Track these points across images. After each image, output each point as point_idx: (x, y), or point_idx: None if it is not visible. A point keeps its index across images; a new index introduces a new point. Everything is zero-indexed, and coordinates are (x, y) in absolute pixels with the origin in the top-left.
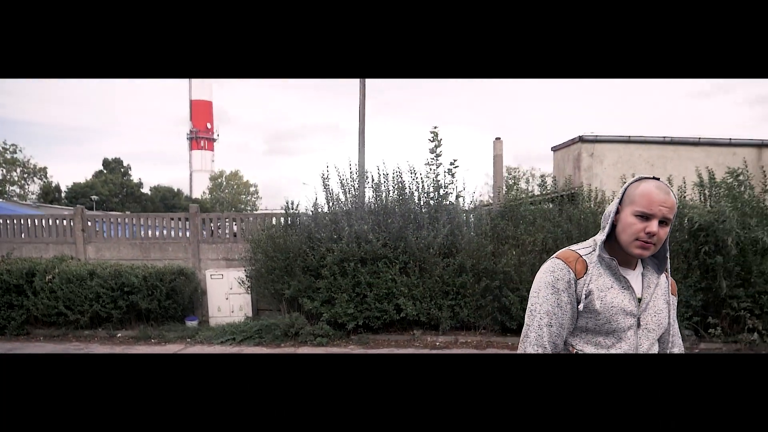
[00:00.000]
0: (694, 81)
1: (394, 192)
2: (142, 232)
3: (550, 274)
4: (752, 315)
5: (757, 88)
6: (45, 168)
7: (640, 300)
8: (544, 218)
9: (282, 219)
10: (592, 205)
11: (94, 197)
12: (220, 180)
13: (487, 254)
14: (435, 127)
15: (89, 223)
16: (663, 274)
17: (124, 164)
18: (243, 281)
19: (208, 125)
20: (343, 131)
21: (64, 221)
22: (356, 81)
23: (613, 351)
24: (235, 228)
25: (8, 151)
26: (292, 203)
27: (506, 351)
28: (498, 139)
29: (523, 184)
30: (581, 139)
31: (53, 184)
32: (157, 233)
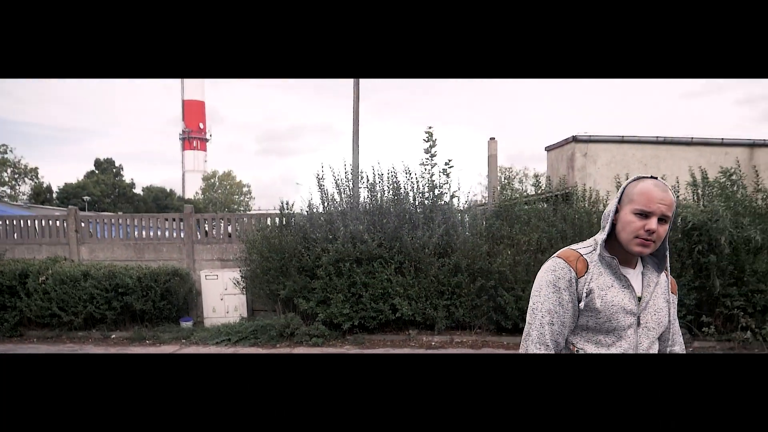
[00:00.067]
0: (685, 81)
1: (389, 192)
2: (136, 233)
3: (551, 273)
4: (745, 313)
5: (746, 89)
6: (36, 168)
7: (640, 299)
8: (538, 218)
9: (277, 219)
10: (586, 205)
11: (85, 198)
12: (212, 180)
13: (482, 254)
14: (430, 128)
15: (83, 224)
16: (663, 273)
17: (116, 165)
18: (238, 282)
19: (201, 125)
20: (337, 132)
21: (57, 222)
22: (350, 81)
23: (613, 349)
24: (229, 228)
25: None
26: (287, 203)
27: (502, 350)
28: (492, 139)
29: (516, 184)
30: (575, 139)
31: (44, 185)
32: (151, 234)
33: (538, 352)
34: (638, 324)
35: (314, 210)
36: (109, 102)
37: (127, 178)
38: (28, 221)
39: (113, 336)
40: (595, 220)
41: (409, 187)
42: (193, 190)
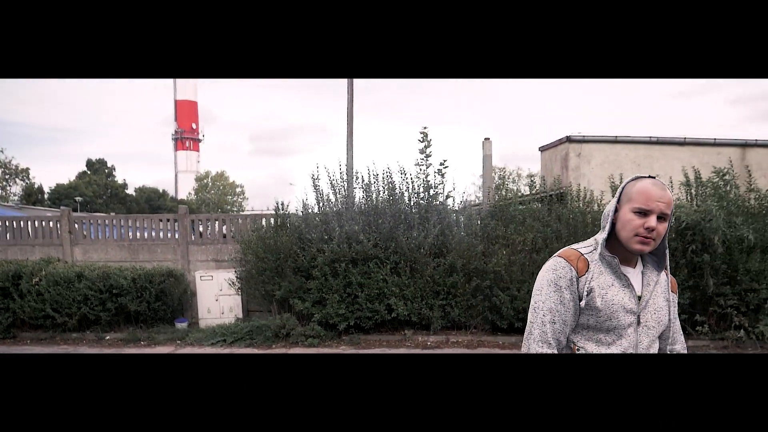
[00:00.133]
0: (676, 81)
1: (384, 192)
2: (130, 234)
3: (552, 272)
4: (738, 312)
5: (737, 89)
6: (27, 169)
7: (640, 298)
8: (533, 218)
9: (272, 220)
10: (581, 205)
11: (78, 198)
12: (205, 181)
13: (478, 254)
14: (425, 128)
15: (76, 225)
16: (663, 272)
17: (108, 165)
18: (233, 282)
19: (193, 125)
20: (331, 132)
21: (51, 223)
22: (343, 81)
23: (613, 348)
24: (224, 229)
25: None
26: (282, 204)
27: (498, 350)
28: (487, 139)
29: (510, 184)
30: (569, 140)
31: (36, 186)
32: (146, 235)
33: (540, 350)
34: (638, 323)
35: (309, 210)
36: (101, 102)
37: (119, 179)
38: (21, 222)
39: (108, 337)
40: (589, 220)
41: (405, 188)
42: (185, 190)
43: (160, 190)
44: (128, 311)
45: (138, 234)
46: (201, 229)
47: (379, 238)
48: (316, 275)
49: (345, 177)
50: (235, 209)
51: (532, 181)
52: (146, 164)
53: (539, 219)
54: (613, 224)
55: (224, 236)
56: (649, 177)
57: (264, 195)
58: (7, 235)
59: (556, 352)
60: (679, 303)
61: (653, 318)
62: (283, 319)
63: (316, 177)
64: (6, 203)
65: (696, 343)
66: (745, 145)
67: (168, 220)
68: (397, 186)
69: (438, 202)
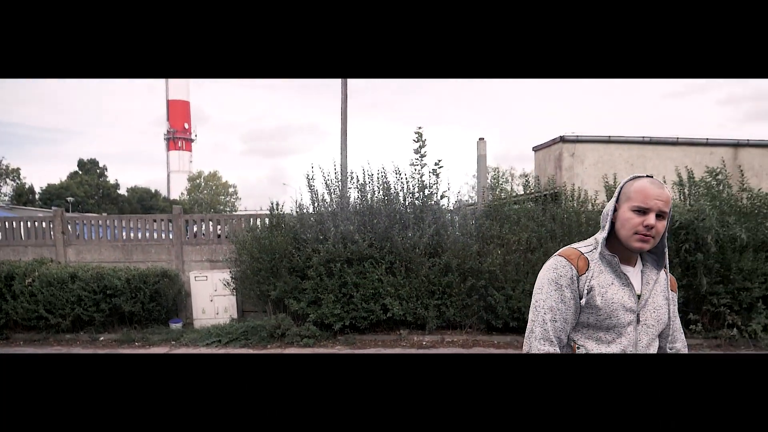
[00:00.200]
0: (668, 81)
1: (379, 192)
2: (124, 234)
3: (552, 271)
4: (732, 311)
5: (728, 89)
6: (18, 169)
7: (639, 296)
8: (528, 218)
9: (267, 220)
10: (575, 204)
11: (69, 199)
12: (198, 181)
13: (473, 254)
14: (419, 128)
15: (69, 226)
16: (662, 271)
17: (100, 165)
18: (228, 283)
19: (186, 125)
20: (324, 132)
21: (43, 223)
22: (336, 81)
23: (613, 346)
24: (219, 229)
25: None
26: (277, 204)
27: (492, 349)
28: (481, 139)
29: (505, 185)
30: (562, 139)
31: (27, 186)
32: (139, 235)
33: (542, 347)
34: (638, 321)
35: (304, 210)
36: (93, 102)
37: (111, 179)
38: (13, 222)
39: (101, 338)
40: (583, 220)
41: (400, 188)
42: (178, 190)
43: (153, 191)
44: (122, 312)
45: (132, 234)
46: (195, 229)
47: (374, 238)
48: (312, 275)
49: (339, 177)
50: (228, 209)
51: (526, 180)
52: (138, 164)
53: (534, 219)
54: (613, 224)
55: (218, 236)
56: (647, 176)
57: (257, 195)
58: None
59: (558, 349)
60: None
61: (653, 316)
62: (279, 320)
63: (311, 177)
64: None
65: (689, 342)
66: (737, 145)
67: (162, 221)
68: (392, 186)
69: (433, 202)
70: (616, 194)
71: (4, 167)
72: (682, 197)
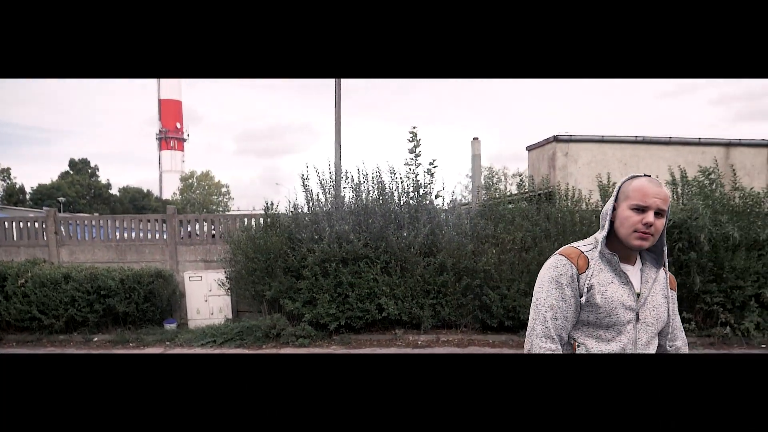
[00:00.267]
0: (660, 81)
1: (374, 192)
2: (117, 235)
3: (553, 269)
4: (724, 309)
5: (719, 89)
6: (8, 169)
7: (639, 295)
8: (522, 217)
9: (261, 220)
10: (569, 204)
11: (60, 199)
12: (190, 181)
13: (468, 253)
14: (414, 128)
15: (62, 226)
16: (661, 269)
17: (92, 165)
18: (223, 283)
19: (178, 125)
20: (316, 132)
21: (36, 224)
22: (329, 81)
23: (613, 344)
24: (213, 229)
25: None
26: (272, 204)
27: (488, 348)
28: (476, 139)
29: (499, 185)
30: (556, 139)
31: (17, 186)
32: (133, 235)
33: (544, 345)
34: (637, 319)
35: (299, 210)
36: (84, 101)
37: (102, 179)
38: (5, 223)
39: (95, 339)
40: (577, 219)
41: (394, 187)
42: (170, 190)
43: (145, 191)
44: (116, 312)
45: (125, 235)
46: (189, 229)
47: (369, 237)
48: (307, 275)
49: (333, 177)
50: (221, 209)
51: (521, 180)
52: (130, 164)
53: (528, 218)
54: (612, 223)
55: (213, 236)
56: (645, 176)
57: (249, 195)
58: None
59: (559, 346)
60: None
61: (652, 315)
62: (274, 320)
63: (305, 177)
64: None
65: None
66: (729, 144)
67: (156, 221)
68: (386, 185)
69: (427, 202)
70: (614, 193)
71: None
72: (675, 196)
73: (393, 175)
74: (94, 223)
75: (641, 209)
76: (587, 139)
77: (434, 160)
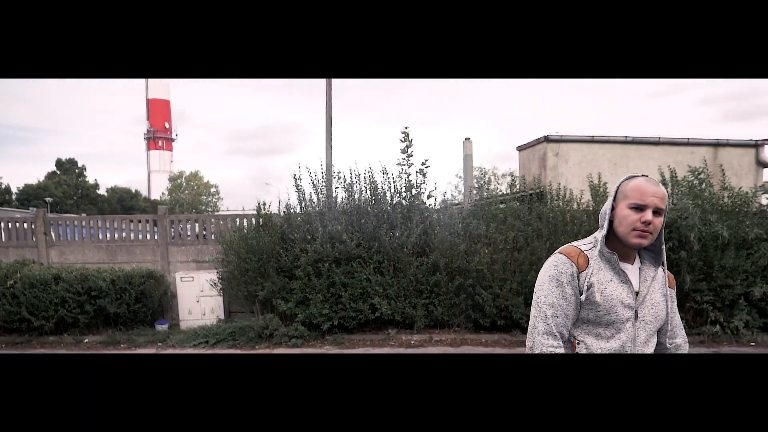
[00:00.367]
0: (649, 82)
1: (366, 192)
2: (108, 235)
3: (553, 268)
4: (714, 308)
5: (706, 90)
6: None
7: (637, 293)
8: (514, 217)
9: (254, 220)
10: (560, 204)
11: (48, 199)
12: (179, 181)
13: (460, 253)
14: (406, 128)
15: (51, 226)
16: (660, 268)
17: (79, 165)
18: (215, 283)
19: (166, 125)
20: (306, 131)
21: (25, 224)
22: (320, 81)
23: (612, 341)
24: (204, 229)
25: None
26: (264, 204)
27: (481, 348)
28: (468, 139)
29: (493, 184)
30: (547, 139)
31: (3, 186)
32: (124, 236)
33: (546, 342)
34: (636, 317)
35: (292, 210)
36: (70, 101)
37: (90, 179)
38: None
39: (86, 340)
40: (569, 219)
41: (387, 187)
42: (159, 190)
43: (133, 191)
44: (107, 313)
45: (116, 235)
46: (181, 228)
47: (362, 237)
48: (300, 275)
49: (325, 177)
50: (210, 209)
51: (513, 180)
52: (118, 164)
53: (520, 218)
54: (611, 222)
55: (204, 236)
56: (642, 175)
57: (239, 195)
58: None
59: (561, 343)
60: None
61: (650, 313)
62: (266, 320)
63: (298, 177)
64: None
65: None
66: (717, 144)
67: (147, 221)
68: (379, 186)
69: (419, 202)
70: (613, 193)
71: None
72: None
73: (385, 175)
74: (84, 223)
75: (639, 208)
76: (577, 139)
77: (426, 160)
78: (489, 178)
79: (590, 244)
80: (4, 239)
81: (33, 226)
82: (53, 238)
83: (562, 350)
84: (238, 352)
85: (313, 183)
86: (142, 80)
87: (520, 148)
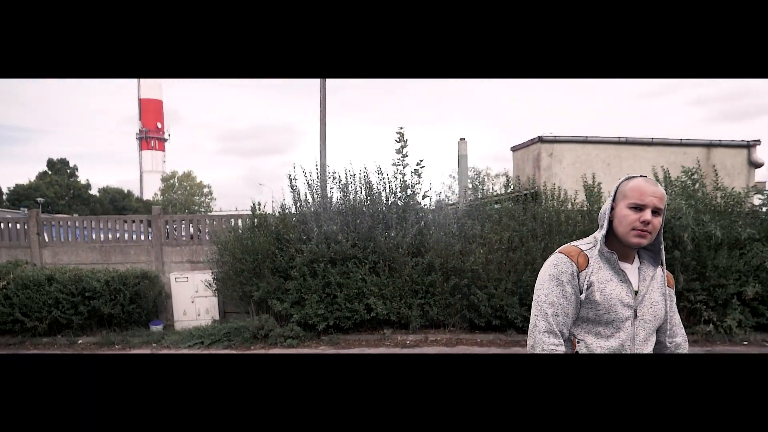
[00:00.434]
0: (640, 82)
1: (361, 192)
2: (102, 236)
3: (554, 267)
4: (707, 307)
5: (698, 90)
6: None
7: (637, 292)
8: (509, 217)
9: (248, 220)
10: (555, 204)
11: (39, 199)
12: (172, 181)
13: (455, 253)
14: (401, 128)
15: (44, 227)
16: (659, 268)
17: (71, 165)
18: (210, 284)
19: (159, 125)
20: (300, 132)
21: (17, 225)
22: (314, 81)
23: (611, 340)
24: (199, 229)
25: None
26: (259, 204)
27: (476, 348)
28: (462, 139)
29: (488, 185)
30: (541, 140)
31: None
32: (117, 236)
33: (547, 340)
34: (635, 316)
35: (287, 210)
36: (62, 100)
37: (82, 179)
38: None
39: (80, 341)
40: (563, 219)
41: (382, 188)
42: (151, 191)
43: (125, 191)
44: (101, 314)
45: (110, 236)
46: (176, 228)
47: (357, 238)
48: (295, 276)
49: (319, 177)
50: (203, 210)
51: (507, 180)
52: (110, 164)
53: (515, 218)
54: (611, 222)
55: (199, 237)
56: (641, 176)
57: (232, 195)
58: None
59: (562, 341)
60: None
61: (649, 312)
62: (262, 320)
63: (293, 177)
64: None
65: None
66: (709, 145)
67: (141, 222)
68: (374, 186)
69: (415, 202)
70: (612, 193)
71: None
72: None
73: (380, 175)
74: (77, 224)
75: (639, 208)
76: (571, 139)
77: (421, 161)
78: (483, 178)
79: (590, 244)
80: None
81: (26, 227)
82: (46, 238)
83: (563, 348)
84: (234, 352)
85: (308, 183)
86: (134, 80)
87: (514, 149)
